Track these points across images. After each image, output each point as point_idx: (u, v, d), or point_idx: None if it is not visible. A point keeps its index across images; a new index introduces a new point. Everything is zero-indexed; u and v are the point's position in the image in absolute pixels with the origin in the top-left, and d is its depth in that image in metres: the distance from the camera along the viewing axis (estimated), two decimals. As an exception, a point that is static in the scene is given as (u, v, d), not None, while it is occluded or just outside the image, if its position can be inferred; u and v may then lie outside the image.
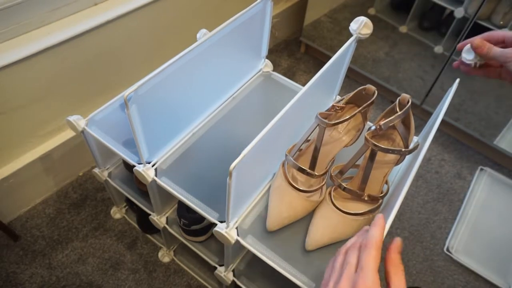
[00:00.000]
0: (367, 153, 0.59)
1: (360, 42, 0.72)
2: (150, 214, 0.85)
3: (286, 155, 0.64)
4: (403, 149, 0.57)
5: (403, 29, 1.39)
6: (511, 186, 1.27)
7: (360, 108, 0.64)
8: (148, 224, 0.88)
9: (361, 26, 0.67)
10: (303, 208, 0.63)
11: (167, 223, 0.85)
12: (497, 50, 0.52)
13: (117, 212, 1.07)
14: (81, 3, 0.92)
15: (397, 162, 0.63)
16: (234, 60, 0.81)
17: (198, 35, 0.76)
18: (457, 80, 0.62)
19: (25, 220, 1.05)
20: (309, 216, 0.65)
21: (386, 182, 0.64)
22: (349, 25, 0.68)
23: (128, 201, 1.06)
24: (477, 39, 0.53)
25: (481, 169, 1.30)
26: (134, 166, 0.70)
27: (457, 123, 1.31)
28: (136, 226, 1.06)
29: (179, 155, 0.74)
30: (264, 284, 0.78)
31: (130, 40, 1.05)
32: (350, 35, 0.69)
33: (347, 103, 0.68)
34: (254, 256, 0.62)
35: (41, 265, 0.97)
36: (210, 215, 0.65)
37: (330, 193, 0.63)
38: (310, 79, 0.59)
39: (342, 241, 0.63)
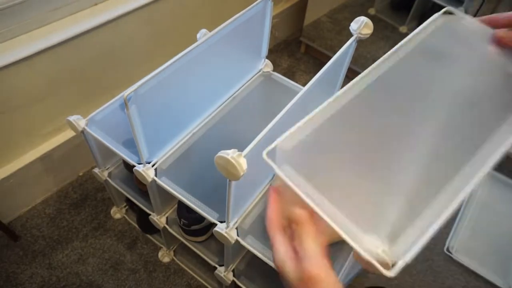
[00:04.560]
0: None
1: (360, 42, 0.72)
2: (150, 214, 0.85)
3: (286, 155, 0.64)
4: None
5: (403, 29, 1.39)
6: None
7: (360, 108, 0.64)
8: (148, 224, 0.88)
9: (361, 26, 0.67)
10: (303, 208, 0.63)
11: (167, 223, 0.85)
12: None
13: (117, 212, 1.07)
14: (81, 3, 0.92)
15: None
16: (234, 60, 0.81)
17: (198, 35, 0.76)
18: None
19: (25, 220, 1.05)
20: (309, 216, 0.65)
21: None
22: (349, 25, 0.68)
23: (128, 201, 1.06)
24: (500, 32, 0.45)
25: (481, 169, 1.30)
26: (134, 166, 0.70)
27: (457, 123, 1.31)
28: (136, 226, 1.06)
29: (179, 155, 0.74)
30: (264, 284, 0.78)
31: (130, 40, 1.05)
32: (350, 35, 0.69)
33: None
34: (254, 256, 0.62)
35: (41, 265, 0.97)
36: (210, 215, 0.65)
37: (330, 193, 0.63)
38: (310, 79, 0.59)
39: (342, 241, 0.63)
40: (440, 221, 0.36)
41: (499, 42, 0.46)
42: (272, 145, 0.39)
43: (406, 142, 0.43)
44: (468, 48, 0.50)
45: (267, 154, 0.39)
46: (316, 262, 0.34)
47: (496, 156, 0.39)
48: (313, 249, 0.35)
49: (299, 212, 0.37)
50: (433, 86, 0.48)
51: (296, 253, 0.35)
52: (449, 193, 0.38)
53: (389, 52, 0.47)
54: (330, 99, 0.42)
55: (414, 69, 0.49)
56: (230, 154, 0.45)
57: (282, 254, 0.36)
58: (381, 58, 0.47)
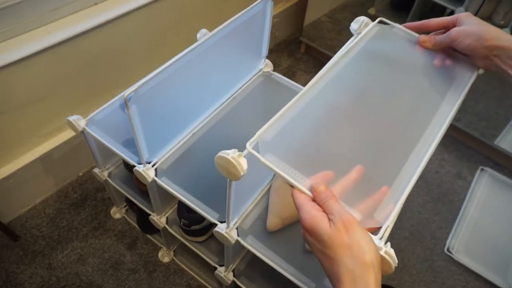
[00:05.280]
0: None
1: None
2: (150, 214, 0.85)
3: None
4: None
5: (403, 29, 1.38)
6: (512, 186, 1.27)
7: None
8: (148, 224, 0.88)
9: (361, 26, 0.67)
10: (303, 208, 0.63)
11: (167, 223, 0.85)
12: (440, 36, 0.57)
13: (117, 212, 1.07)
14: (81, 3, 0.92)
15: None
16: (234, 60, 0.81)
17: (198, 35, 0.76)
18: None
19: (25, 220, 1.05)
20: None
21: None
22: (349, 25, 0.68)
23: (128, 201, 1.06)
24: (422, 36, 0.60)
25: (482, 169, 1.30)
26: (134, 166, 0.70)
27: (457, 123, 1.31)
28: (136, 226, 1.06)
29: (179, 155, 0.74)
30: (264, 284, 0.78)
31: (130, 40, 1.05)
32: (350, 35, 0.69)
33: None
34: (254, 256, 0.62)
35: (41, 265, 0.97)
36: (210, 216, 0.65)
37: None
38: (310, 79, 0.59)
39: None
40: (407, 190, 0.45)
41: (422, 45, 0.60)
42: (254, 138, 0.45)
43: (364, 126, 0.53)
44: (399, 49, 0.62)
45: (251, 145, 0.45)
46: (347, 212, 0.38)
47: (441, 131, 0.52)
48: (339, 205, 0.39)
49: (316, 181, 0.42)
50: (378, 81, 0.59)
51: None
52: (410, 166, 0.48)
53: (338, 55, 0.58)
54: (297, 95, 0.50)
55: (360, 68, 0.59)
56: (230, 154, 0.45)
57: (314, 212, 0.39)
58: (333, 60, 0.57)
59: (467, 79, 0.59)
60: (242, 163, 0.45)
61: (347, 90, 0.57)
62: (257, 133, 0.46)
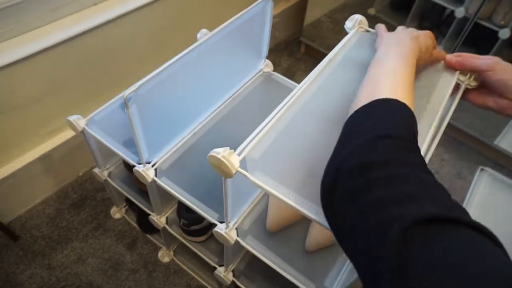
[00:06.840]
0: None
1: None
2: (150, 214, 0.85)
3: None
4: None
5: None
6: (512, 186, 1.26)
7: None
8: (148, 224, 0.88)
9: (356, 24, 0.67)
10: (303, 209, 0.63)
11: (167, 223, 0.85)
12: (474, 60, 0.56)
13: (117, 212, 1.07)
14: (81, 3, 0.92)
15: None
16: (234, 60, 0.81)
17: (198, 35, 0.76)
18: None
19: (25, 220, 1.05)
20: (309, 216, 0.65)
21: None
22: (349, 25, 0.68)
23: (128, 201, 1.06)
24: (451, 56, 0.58)
25: (482, 169, 1.30)
26: (134, 166, 0.70)
27: (457, 123, 1.31)
28: (136, 226, 1.06)
29: (179, 155, 0.74)
30: (264, 284, 0.78)
31: (130, 40, 1.05)
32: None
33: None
34: (254, 257, 0.62)
35: (40, 265, 0.97)
36: (210, 216, 0.65)
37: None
38: (311, 79, 0.59)
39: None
40: None
41: (449, 63, 0.58)
42: (241, 156, 0.45)
43: None
44: None
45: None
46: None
47: (438, 134, 0.54)
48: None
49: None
50: None
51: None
52: None
53: (322, 65, 0.58)
54: (283, 109, 0.51)
55: (347, 76, 0.58)
56: (221, 153, 0.44)
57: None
58: (315, 71, 0.57)
59: (448, 82, 0.58)
60: (233, 161, 0.44)
61: (335, 99, 0.55)
62: (244, 152, 0.45)
